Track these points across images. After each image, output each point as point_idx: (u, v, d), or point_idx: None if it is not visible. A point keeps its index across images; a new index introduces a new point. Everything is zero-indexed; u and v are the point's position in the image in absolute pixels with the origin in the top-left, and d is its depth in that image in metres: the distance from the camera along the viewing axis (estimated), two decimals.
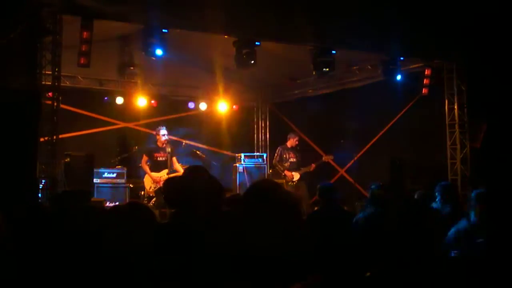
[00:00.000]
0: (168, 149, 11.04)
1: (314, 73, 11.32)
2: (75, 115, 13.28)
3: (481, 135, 11.43)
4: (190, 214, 3.49)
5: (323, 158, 12.29)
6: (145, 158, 11.19)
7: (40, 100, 8.63)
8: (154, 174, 11.01)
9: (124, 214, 3.04)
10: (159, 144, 11.15)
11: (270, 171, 13.55)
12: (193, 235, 3.24)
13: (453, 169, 11.75)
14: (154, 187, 10.99)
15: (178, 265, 2.97)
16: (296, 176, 11.97)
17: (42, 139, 8.79)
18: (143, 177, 11.39)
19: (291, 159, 12.10)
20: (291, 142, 12.20)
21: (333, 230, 5.79)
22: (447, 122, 11.88)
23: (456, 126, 11.78)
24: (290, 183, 11.92)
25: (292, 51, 11.34)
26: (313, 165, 12.01)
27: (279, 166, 12.03)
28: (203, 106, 15.05)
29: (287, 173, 11.93)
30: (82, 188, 10.55)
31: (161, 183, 10.48)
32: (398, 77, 11.84)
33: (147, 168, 11.10)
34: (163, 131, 11.20)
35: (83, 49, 9.37)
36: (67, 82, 12.45)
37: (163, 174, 10.90)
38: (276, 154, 12.23)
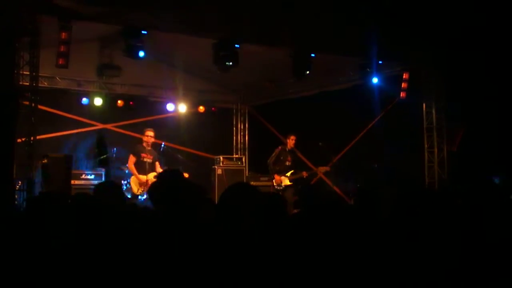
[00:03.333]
0: (155, 152, 11.07)
1: (293, 75, 11.40)
2: (53, 116, 13.16)
3: (458, 139, 11.56)
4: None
5: (319, 169, 11.88)
6: (132, 158, 10.98)
7: (17, 100, 8.56)
8: (141, 176, 10.86)
9: None
10: (145, 145, 11.06)
11: (248, 173, 13.55)
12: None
13: (430, 172, 11.87)
14: (142, 190, 10.78)
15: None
16: (285, 181, 11.45)
17: (19, 140, 8.72)
18: (127, 178, 11.27)
19: (287, 163, 11.55)
20: (290, 143, 11.64)
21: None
22: (424, 126, 12.00)
23: (434, 129, 11.91)
24: (277, 187, 11.44)
25: (271, 54, 11.36)
26: (305, 173, 11.59)
27: (272, 167, 11.52)
28: (182, 108, 14.98)
29: (276, 176, 11.46)
30: (60, 190, 10.46)
31: (148, 185, 10.30)
32: (375, 80, 11.95)
33: (134, 170, 10.89)
34: (150, 133, 11.11)
35: (62, 50, 9.32)
36: (45, 83, 12.36)
37: (150, 177, 10.76)
38: (274, 153, 11.59)
